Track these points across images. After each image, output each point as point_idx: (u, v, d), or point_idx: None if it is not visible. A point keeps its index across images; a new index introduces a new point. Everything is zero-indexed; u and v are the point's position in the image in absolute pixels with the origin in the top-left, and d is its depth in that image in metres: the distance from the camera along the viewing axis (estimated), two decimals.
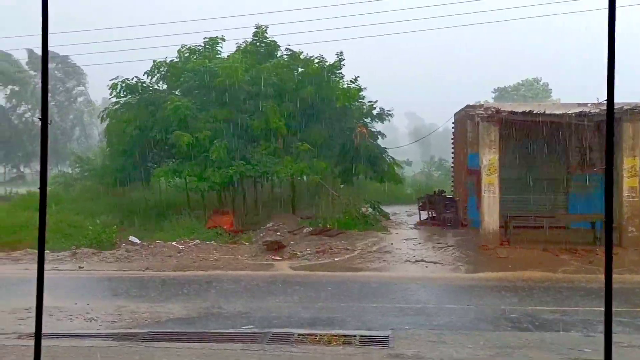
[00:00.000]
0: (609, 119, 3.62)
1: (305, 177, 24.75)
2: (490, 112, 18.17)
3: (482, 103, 22.98)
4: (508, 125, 18.88)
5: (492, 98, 66.25)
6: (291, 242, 19.02)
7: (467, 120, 21.87)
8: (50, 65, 71.48)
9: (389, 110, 27.05)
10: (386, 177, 25.72)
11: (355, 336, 8.72)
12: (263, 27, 25.80)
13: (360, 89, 25.01)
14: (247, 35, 26.53)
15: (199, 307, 11.48)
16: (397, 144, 39.63)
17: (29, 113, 70.05)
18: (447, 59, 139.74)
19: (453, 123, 25.37)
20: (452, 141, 25.68)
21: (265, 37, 25.73)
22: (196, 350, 7.99)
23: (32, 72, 66.28)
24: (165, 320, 10.42)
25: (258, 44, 25.71)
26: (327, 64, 24.53)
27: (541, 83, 70.91)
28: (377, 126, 28.24)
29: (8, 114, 70.28)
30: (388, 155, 25.94)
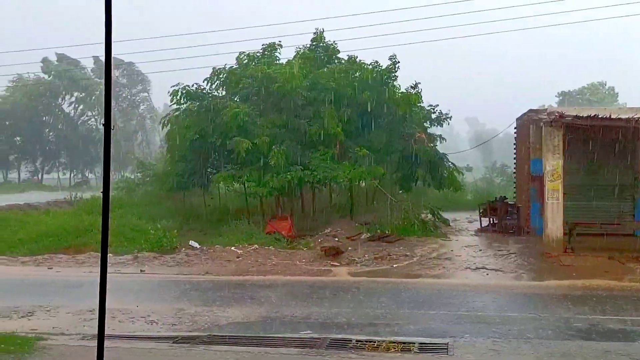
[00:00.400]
0: None
1: (363, 183, 24.66)
2: (553, 117, 17.79)
3: (545, 107, 22.47)
4: (572, 130, 18.42)
5: (556, 102, 64.93)
6: (349, 248, 18.97)
7: (529, 125, 21.48)
8: (115, 72, 73.54)
9: (447, 114, 26.76)
10: (445, 183, 25.43)
11: (414, 343, 8.63)
12: (319, 31, 25.86)
13: (419, 95, 24.75)
14: (304, 42, 26.65)
15: (257, 312, 11.54)
16: (457, 150, 39.19)
17: (94, 119, 72.09)
18: (509, 63, 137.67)
19: (515, 128, 24.97)
20: (514, 146, 25.25)
21: (324, 42, 25.79)
22: (254, 354, 8.04)
23: (96, 80, 68.02)
24: (225, 324, 10.51)
25: (316, 49, 25.77)
26: (381, 68, 24.40)
27: (607, 87, 69.23)
28: (437, 131, 27.95)
29: (74, 121, 72.49)
30: (447, 161, 25.64)
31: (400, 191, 25.87)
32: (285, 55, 26.03)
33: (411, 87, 24.87)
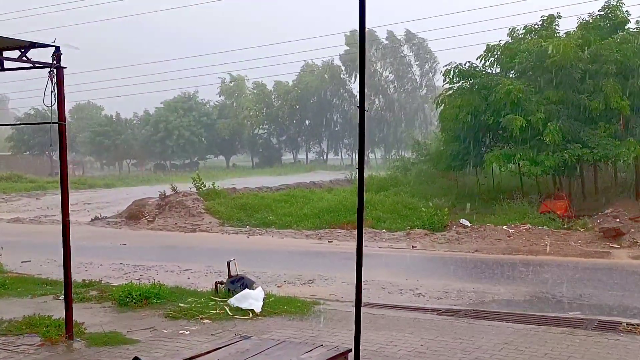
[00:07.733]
0: None
1: None
2: None
3: None
4: None
5: None
6: (632, 230, 17.68)
7: None
8: (404, 47, 75.47)
9: None
10: None
11: None
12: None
13: None
14: (590, 10, 24.67)
15: (525, 291, 11.47)
16: None
17: (377, 100, 75.36)
18: None
19: None
20: None
21: (614, 9, 23.67)
22: (516, 330, 8.06)
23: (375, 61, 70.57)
24: (490, 301, 10.62)
25: (604, 18, 23.81)
26: None
27: None
28: None
29: (357, 103, 76.85)
30: None
31: None
32: (567, 26, 24.42)
33: None
